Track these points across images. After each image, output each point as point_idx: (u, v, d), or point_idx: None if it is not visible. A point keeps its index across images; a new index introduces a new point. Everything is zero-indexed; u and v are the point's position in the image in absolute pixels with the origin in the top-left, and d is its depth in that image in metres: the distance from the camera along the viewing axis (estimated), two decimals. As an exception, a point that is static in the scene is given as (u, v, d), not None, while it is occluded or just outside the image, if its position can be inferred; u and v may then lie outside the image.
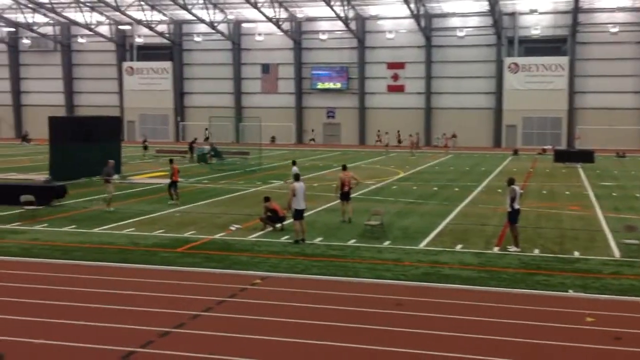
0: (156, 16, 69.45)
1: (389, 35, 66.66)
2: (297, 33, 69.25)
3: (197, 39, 71.73)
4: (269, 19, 65.35)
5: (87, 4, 66.95)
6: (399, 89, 67.77)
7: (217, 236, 19.80)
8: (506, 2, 62.20)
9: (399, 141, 63.88)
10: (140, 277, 15.10)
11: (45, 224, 21.66)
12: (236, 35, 70.90)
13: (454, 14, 64.87)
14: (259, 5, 62.87)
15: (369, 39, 68.09)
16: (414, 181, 35.19)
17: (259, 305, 12.91)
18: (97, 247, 18.34)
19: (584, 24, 61.95)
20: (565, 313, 12.62)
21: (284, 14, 66.80)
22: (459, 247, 18.39)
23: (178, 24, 72.45)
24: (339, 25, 65.85)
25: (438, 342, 10.97)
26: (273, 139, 68.66)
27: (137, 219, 22.80)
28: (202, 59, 73.05)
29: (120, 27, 72.67)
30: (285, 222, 20.76)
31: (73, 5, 66.72)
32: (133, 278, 14.98)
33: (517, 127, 64.65)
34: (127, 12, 66.70)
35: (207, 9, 65.53)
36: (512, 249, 17.95)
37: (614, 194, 30.22)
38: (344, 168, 23.71)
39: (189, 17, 67.99)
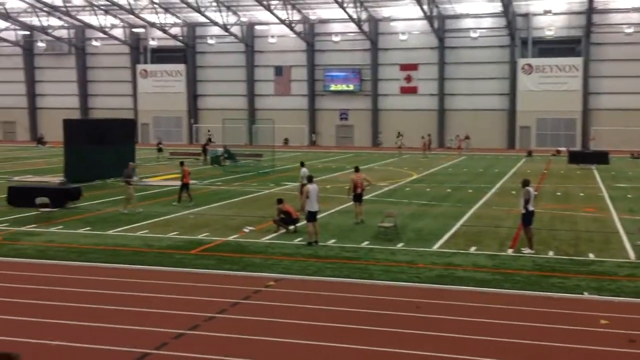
0: (170, 19, 69.77)
1: (401, 37, 66.60)
2: (310, 35, 69.34)
3: (210, 41, 71.98)
4: (282, 21, 65.51)
5: (102, 7, 67.38)
6: (412, 91, 67.68)
7: (230, 238, 19.85)
8: (520, 3, 61.97)
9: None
10: (154, 279, 15.16)
11: (61, 226, 21.82)
12: (249, 38, 71.07)
13: (467, 15, 64.73)
14: (272, 7, 63.03)
15: (381, 40, 68.06)
16: (427, 183, 35.12)
17: (272, 307, 12.93)
18: (112, 249, 18.45)
19: (598, 25, 61.60)
20: (579, 315, 12.56)
21: (296, 16, 66.92)
22: (472, 249, 18.33)
23: (191, 26, 72.74)
24: (352, 27, 65.91)
25: (453, 344, 10.95)
26: (286, 140, 68.75)
27: (150, 221, 22.89)
28: (216, 62, 73.30)
29: (134, 30, 73.11)
30: (298, 224, 20.80)
31: (87, 8, 67.22)
32: (148, 280, 15.06)
33: (531, 129, 64.38)
34: (141, 15, 67.08)
35: (220, 11, 65.76)
36: (526, 251, 17.87)
37: (629, 196, 30.02)
38: (357, 170, 23.70)
39: (202, 19, 68.29)
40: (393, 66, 67.74)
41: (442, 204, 27.23)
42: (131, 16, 67.90)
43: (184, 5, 64.66)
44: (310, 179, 20.08)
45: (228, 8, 66.64)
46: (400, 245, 18.87)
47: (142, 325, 11.77)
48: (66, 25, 73.77)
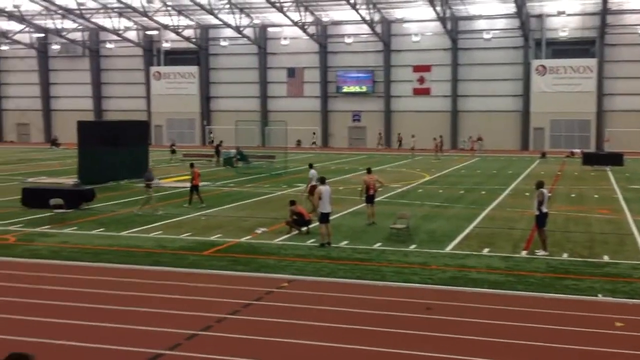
0: (183, 21, 70.02)
1: (414, 38, 66.36)
2: (323, 37, 69.37)
3: (223, 43, 72.12)
4: (295, 23, 65.57)
5: (115, 9, 67.77)
6: (425, 92, 67.52)
7: (243, 239, 19.89)
8: (533, 4, 61.69)
9: (399, 143, 64.96)
10: (167, 279, 15.21)
11: (75, 227, 21.94)
12: (262, 40, 71.20)
13: (480, 17, 64.44)
14: (285, 9, 63.10)
15: (394, 42, 67.98)
16: (440, 184, 35.03)
17: (285, 308, 12.94)
18: (125, 250, 18.53)
19: (612, 26, 61.20)
20: (593, 318, 12.48)
21: (309, 18, 66.93)
22: (486, 251, 18.26)
23: (204, 28, 72.98)
24: (365, 28, 65.87)
25: (466, 346, 10.91)
26: (299, 142, 68.77)
27: (163, 222, 22.98)
28: (228, 63, 73.49)
29: (148, 32, 73.40)
30: (311, 226, 20.80)
31: (101, 11, 67.63)
32: (161, 281, 15.11)
33: (544, 130, 64.05)
34: (155, 18, 67.37)
35: (233, 13, 65.94)
36: (540, 252, 17.78)
37: (644, 198, 29.81)
38: (369, 171, 23.69)
39: (215, 21, 68.50)
40: (406, 68, 67.59)
41: (455, 206, 27.15)
42: (145, 18, 68.22)
43: (197, 8, 64.89)
44: (322, 181, 20.09)
45: (241, 10, 66.80)
46: (412, 246, 18.82)
47: (156, 325, 11.81)
48: (80, 27, 74.19)
